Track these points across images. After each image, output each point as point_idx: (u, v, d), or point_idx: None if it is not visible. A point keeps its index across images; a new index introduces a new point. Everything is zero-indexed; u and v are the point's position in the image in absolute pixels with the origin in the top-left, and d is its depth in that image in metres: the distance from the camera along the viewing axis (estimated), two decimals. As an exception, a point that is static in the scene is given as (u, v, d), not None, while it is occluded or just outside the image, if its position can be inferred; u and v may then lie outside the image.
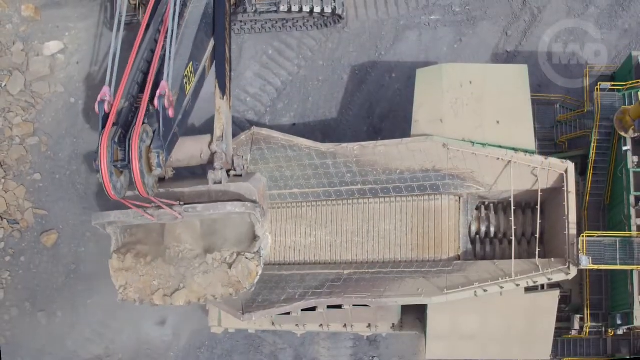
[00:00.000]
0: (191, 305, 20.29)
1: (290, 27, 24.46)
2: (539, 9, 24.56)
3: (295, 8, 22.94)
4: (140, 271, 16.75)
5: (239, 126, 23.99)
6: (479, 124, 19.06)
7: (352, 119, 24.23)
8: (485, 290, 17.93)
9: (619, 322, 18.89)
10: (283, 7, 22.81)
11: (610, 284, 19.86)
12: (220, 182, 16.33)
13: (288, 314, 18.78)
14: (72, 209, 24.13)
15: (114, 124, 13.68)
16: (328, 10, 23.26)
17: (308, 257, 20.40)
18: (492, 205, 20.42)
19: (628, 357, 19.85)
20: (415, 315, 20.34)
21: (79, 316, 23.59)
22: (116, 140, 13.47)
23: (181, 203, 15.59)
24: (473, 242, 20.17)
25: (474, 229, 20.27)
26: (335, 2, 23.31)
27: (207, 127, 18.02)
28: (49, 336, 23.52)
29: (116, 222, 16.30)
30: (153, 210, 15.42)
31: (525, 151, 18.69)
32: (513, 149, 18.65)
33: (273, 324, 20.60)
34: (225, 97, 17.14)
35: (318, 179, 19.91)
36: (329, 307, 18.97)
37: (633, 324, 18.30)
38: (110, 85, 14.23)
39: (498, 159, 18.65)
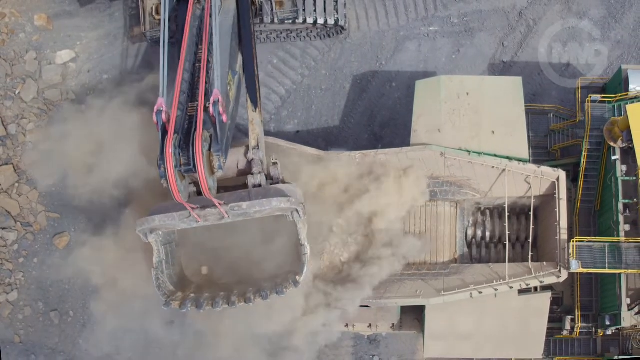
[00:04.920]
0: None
1: (295, 38, 25.16)
2: (534, 21, 25.30)
3: (299, 19, 23.73)
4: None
5: (245, 133, 24.50)
6: (475, 133, 19.80)
7: (353, 127, 24.98)
8: (480, 292, 18.70)
9: (608, 323, 19.60)
10: (299, 20, 23.51)
11: (600, 287, 20.57)
12: (260, 185, 16.30)
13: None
14: (83, 212, 24.87)
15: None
16: (331, 21, 23.94)
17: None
18: (487, 211, 21.21)
19: (617, 357, 20.39)
20: (414, 315, 21.06)
21: (90, 315, 24.28)
22: (178, 146, 14.29)
23: (226, 202, 15.33)
24: (469, 246, 20.96)
25: (470, 233, 21.05)
26: (337, 13, 24.02)
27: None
28: (61, 335, 24.20)
29: (160, 227, 15.91)
30: (199, 210, 15.29)
31: (519, 160, 19.45)
32: (507, 157, 19.42)
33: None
34: (257, 110, 17.56)
35: (322, 185, 20.66)
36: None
37: (621, 324, 19.05)
38: (162, 95, 14.94)
39: (493, 167, 19.42)
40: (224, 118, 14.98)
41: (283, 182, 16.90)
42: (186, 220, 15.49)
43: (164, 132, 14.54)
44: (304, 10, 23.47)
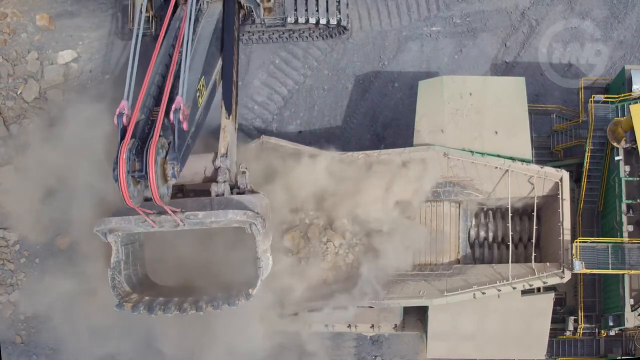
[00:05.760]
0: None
1: (297, 38, 25.15)
2: (536, 21, 25.31)
3: (301, 20, 23.76)
4: None
5: (247, 133, 24.76)
6: (478, 134, 19.79)
7: (356, 127, 24.93)
8: (483, 293, 18.66)
9: (611, 323, 19.60)
10: (290, 19, 23.59)
11: (603, 287, 20.56)
12: (224, 194, 16.08)
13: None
14: (85, 213, 24.81)
15: (131, 136, 14.06)
16: (333, 21, 23.95)
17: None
18: (490, 211, 21.18)
19: (620, 358, 20.47)
20: (417, 316, 21.07)
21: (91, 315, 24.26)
22: (133, 152, 13.88)
23: (183, 210, 15.15)
24: (472, 246, 20.92)
25: (473, 234, 21.03)
26: (340, 14, 24.01)
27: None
28: (63, 335, 24.21)
29: (117, 229, 15.70)
30: (154, 216, 15.05)
31: (522, 160, 19.44)
32: (510, 158, 19.40)
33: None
34: (230, 117, 17.31)
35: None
36: (334, 307, 19.79)
37: (624, 325, 19.02)
38: (127, 98, 14.59)
39: (496, 167, 19.41)
40: (184, 126, 14.66)
41: (252, 191, 16.61)
42: (142, 224, 15.21)
43: (124, 136, 14.18)
44: (294, 13, 23.51)
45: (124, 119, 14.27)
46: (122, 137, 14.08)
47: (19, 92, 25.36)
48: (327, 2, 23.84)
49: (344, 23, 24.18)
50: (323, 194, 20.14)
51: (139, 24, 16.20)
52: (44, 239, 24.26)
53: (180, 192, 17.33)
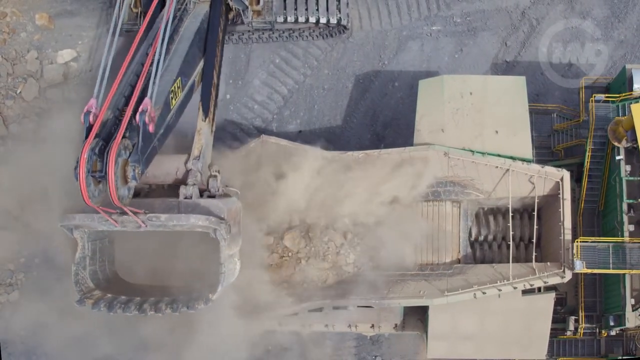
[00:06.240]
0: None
1: (297, 37, 25.09)
2: (537, 20, 25.29)
3: (301, 19, 23.71)
4: None
5: (246, 133, 24.74)
6: (479, 133, 19.73)
7: (356, 127, 24.91)
8: (484, 293, 18.60)
9: (612, 323, 19.58)
10: (290, 18, 23.54)
11: (604, 287, 20.51)
12: (191, 198, 15.74)
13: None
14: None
15: (96, 136, 13.77)
16: (333, 21, 23.93)
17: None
18: (491, 211, 21.13)
19: (621, 357, 20.45)
20: (417, 316, 21.00)
21: (91, 316, 24.18)
22: (96, 151, 13.61)
23: (146, 212, 14.84)
24: (472, 246, 20.88)
25: (473, 233, 21.00)
26: (340, 13, 24.00)
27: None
28: (62, 336, 24.18)
29: (81, 225, 15.36)
30: (117, 216, 14.70)
31: (523, 160, 19.39)
32: (511, 157, 19.35)
33: (279, 324, 21.31)
34: (207, 120, 17.04)
35: (324, 185, 20.62)
36: (334, 307, 19.77)
37: (625, 325, 18.99)
38: (97, 97, 14.18)
39: (497, 167, 19.36)
40: (151, 128, 14.38)
41: (223, 195, 16.33)
42: (105, 223, 14.88)
43: (89, 135, 13.83)
44: (293, 12, 23.48)
45: (91, 118, 13.90)
46: (87, 136, 13.74)
47: (18, 92, 25.31)
48: (327, 1, 23.81)
49: (344, 22, 24.15)
50: (323, 194, 20.10)
51: (115, 22, 15.83)
52: (43, 238, 24.20)
53: (149, 187, 16.93)
